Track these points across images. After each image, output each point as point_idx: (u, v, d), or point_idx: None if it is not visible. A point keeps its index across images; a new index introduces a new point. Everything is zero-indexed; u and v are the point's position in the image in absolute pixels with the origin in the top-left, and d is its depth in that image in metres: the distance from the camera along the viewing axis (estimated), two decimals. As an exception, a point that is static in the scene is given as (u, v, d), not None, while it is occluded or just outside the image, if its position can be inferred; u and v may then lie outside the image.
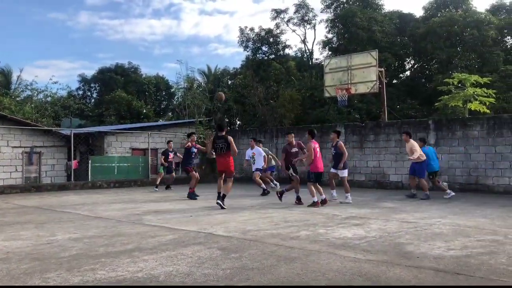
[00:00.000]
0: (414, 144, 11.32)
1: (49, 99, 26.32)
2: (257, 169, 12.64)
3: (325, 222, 7.29)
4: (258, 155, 12.73)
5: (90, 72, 68.55)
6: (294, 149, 10.36)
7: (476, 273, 4.13)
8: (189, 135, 12.81)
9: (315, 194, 9.44)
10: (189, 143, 12.27)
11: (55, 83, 39.33)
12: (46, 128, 17.87)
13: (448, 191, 11.46)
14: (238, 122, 32.05)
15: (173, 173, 15.25)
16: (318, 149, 9.70)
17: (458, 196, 11.87)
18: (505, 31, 29.21)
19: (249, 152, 13.11)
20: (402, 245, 5.38)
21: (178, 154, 15.16)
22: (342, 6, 31.45)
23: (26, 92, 27.00)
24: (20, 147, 16.06)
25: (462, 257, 4.75)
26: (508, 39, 30.49)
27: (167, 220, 7.51)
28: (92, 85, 46.22)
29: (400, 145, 14.80)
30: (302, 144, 10.56)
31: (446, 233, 6.21)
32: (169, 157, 14.75)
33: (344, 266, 4.37)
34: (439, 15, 29.12)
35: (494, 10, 30.17)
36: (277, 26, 31.48)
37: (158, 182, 14.75)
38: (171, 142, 15.35)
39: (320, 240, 5.71)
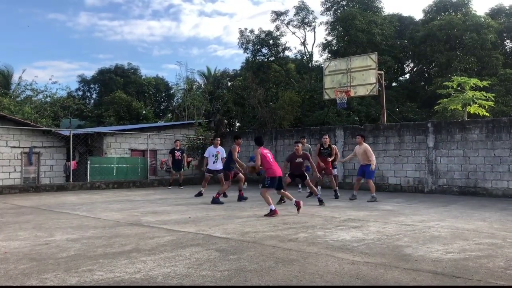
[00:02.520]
0: (368, 147, 11.62)
1: (48, 99, 26.32)
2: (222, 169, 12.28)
3: (324, 224, 7.29)
4: (221, 154, 12.42)
5: (89, 73, 68.49)
6: (299, 159, 10.62)
7: (474, 276, 4.14)
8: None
9: (272, 202, 8.54)
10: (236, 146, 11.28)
11: (55, 83, 39.33)
12: (45, 128, 17.84)
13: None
14: (238, 124, 32.05)
15: (181, 172, 16.13)
16: (269, 155, 9.03)
17: (456, 199, 11.90)
18: (505, 34, 29.32)
19: (212, 151, 12.35)
20: (400, 247, 5.38)
21: (185, 154, 16.35)
22: (342, 8, 31.52)
23: (25, 93, 27.00)
24: (19, 147, 16.03)
25: (460, 260, 4.76)
26: (507, 42, 30.61)
27: (165, 221, 7.51)
28: (91, 86, 46.18)
29: (399, 147, 14.81)
30: (308, 155, 10.78)
31: (444, 236, 6.22)
32: (176, 156, 15.71)
33: (342, 268, 4.37)
34: (438, 18, 29.17)
35: (494, 13, 30.25)
36: (277, 28, 31.49)
37: (171, 181, 16.21)
38: (178, 141, 16.27)
39: (318, 242, 5.71)
